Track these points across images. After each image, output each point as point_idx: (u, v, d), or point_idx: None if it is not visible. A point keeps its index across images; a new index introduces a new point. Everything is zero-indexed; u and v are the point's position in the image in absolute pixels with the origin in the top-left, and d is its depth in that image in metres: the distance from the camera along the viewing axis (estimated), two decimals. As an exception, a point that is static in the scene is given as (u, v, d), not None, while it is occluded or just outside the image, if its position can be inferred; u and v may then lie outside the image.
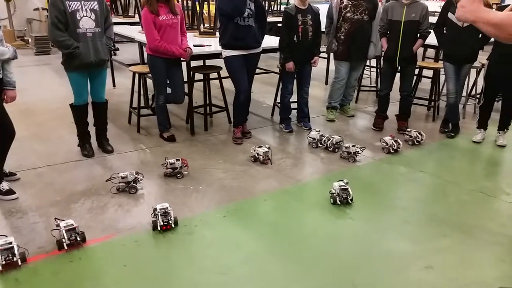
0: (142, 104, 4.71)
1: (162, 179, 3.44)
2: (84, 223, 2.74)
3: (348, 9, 4.66)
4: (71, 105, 3.74)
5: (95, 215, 2.90)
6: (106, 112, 3.94)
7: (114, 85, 6.29)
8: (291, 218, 2.95)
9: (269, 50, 4.64)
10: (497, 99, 4.46)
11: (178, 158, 3.48)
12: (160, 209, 2.72)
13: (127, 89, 5.22)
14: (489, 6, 3.77)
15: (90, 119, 3.87)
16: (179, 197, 3.17)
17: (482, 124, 4.43)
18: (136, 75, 4.59)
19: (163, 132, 4.30)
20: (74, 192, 3.20)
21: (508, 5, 3.92)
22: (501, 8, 4.18)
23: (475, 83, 5.52)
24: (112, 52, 4.30)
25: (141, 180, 3.23)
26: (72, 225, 2.51)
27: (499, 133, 4.35)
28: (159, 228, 2.68)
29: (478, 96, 5.53)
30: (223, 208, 3.03)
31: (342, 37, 4.75)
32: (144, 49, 4.40)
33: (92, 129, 3.94)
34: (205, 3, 5.96)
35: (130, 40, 5.40)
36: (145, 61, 4.45)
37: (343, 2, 4.68)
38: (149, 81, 4.69)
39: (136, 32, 5.41)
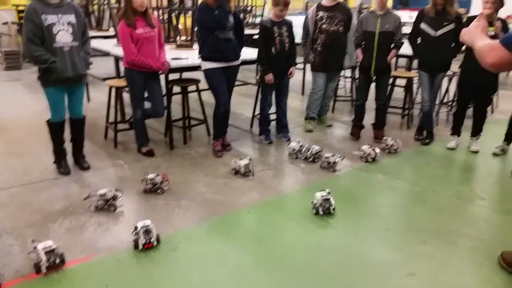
0: (118, 119, 4.65)
1: (142, 195, 3.38)
2: (63, 244, 2.65)
3: (323, 20, 4.74)
4: (47, 122, 3.64)
5: (73, 235, 2.81)
6: (83, 128, 3.86)
7: (88, 100, 6.18)
8: (274, 230, 2.94)
9: (246, 62, 4.66)
10: (468, 106, 4.60)
11: (158, 173, 3.43)
12: (142, 226, 2.66)
13: (102, 104, 5.14)
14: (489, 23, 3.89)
15: (66, 135, 3.78)
16: (161, 213, 3.12)
17: (456, 130, 4.56)
18: (113, 89, 4.53)
19: (141, 146, 4.23)
20: (51, 211, 3.10)
21: (476, 15, 4.02)
22: (469, 19, 4.32)
23: (447, 90, 5.69)
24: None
25: (120, 197, 3.16)
26: (51, 246, 2.43)
27: (472, 139, 4.49)
28: (141, 247, 2.62)
29: (450, 103, 5.70)
30: (206, 222, 3.00)
31: (319, 48, 4.82)
32: (120, 62, 4.35)
33: (68, 146, 3.85)
34: (181, 15, 5.96)
35: (104, 54, 5.33)
36: (121, 74, 4.39)
37: (318, 14, 4.76)
38: (126, 95, 4.63)
39: (111, 46, 5.35)
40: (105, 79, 5.25)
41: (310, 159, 4.09)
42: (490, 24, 3.96)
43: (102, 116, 4.89)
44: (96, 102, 6.10)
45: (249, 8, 9.71)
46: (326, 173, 3.88)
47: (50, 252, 2.41)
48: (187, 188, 3.53)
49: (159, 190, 3.39)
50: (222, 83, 4.07)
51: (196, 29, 4.38)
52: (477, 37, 1.84)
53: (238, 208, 3.23)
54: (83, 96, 3.78)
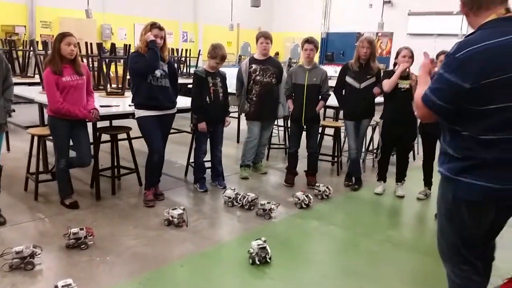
0: (41, 169, 4.33)
1: (64, 251, 3.10)
2: (-34, 312, 2.33)
3: (257, 72, 4.92)
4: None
5: (-20, 300, 2.48)
6: (-1, 179, 3.54)
7: (8, 149, 5.73)
8: (210, 283, 2.81)
9: (181, 111, 4.64)
10: (392, 153, 4.90)
11: (82, 227, 3.18)
12: (62, 286, 2.42)
13: (24, 153, 4.79)
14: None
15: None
16: (85, 270, 2.87)
17: (382, 176, 4.80)
18: (35, 138, 4.24)
19: (65, 198, 3.94)
20: (-47, 274, 2.73)
21: (393, 71, 4.37)
22: (386, 72, 4.68)
23: (371, 139, 6.04)
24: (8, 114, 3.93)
25: (39, 254, 2.87)
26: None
27: (397, 184, 4.73)
28: (61, 309, 2.37)
29: (375, 151, 6.04)
30: (135, 279, 2.79)
31: (254, 98, 4.96)
32: (45, 110, 4.12)
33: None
34: (112, 63, 5.86)
35: (29, 101, 5.04)
36: (46, 122, 4.15)
37: (252, 67, 4.94)
38: (49, 144, 4.35)
39: (36, 93, 5.08)
40: (28, 127, 4.94)
41: (246, 207, 4.05)
42: (406, 77, 4.34)
43: (22, 166, 4.53)
44: (16, 151, 5.68)
45: (183, 59, 9.84)
46: (262, 221, 3.85)
47: None
48: (115, 242, 3.30)
49: (83, 245, 3.13)
50: (156, 131, 3.99)
51: (128, 77, 4.31)
52: (422, 77, 2.00)
53: (171, 261, 3.06)
54: (0, 146, 3.50)
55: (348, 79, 4.63)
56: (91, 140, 4.09)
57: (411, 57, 4.33)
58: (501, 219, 1.93)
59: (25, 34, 10.12)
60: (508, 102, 1.68)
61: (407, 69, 4.34)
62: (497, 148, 1.73)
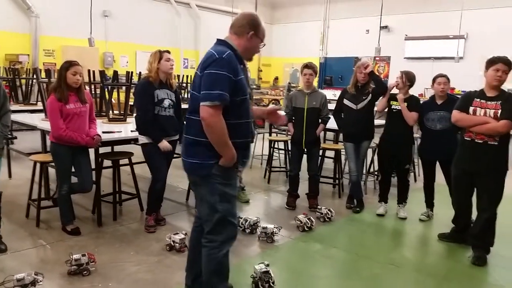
0: (43, 195, 4.33)
1: (66, 278, 3.08)
2: None
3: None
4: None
5: (-19, 329, 2.46)
6: (-1, 205, 3.54)
7: (10, 176, 5.75)
8: (212, 309, 2.78)
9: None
10: (393, 175, 4.91)
11: (84, 253, 3.18)
12: (63, 313, 2.40)
13: (26, 180, 4.81)
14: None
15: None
16: (86, 297, 2.85)
17: (383, 198, 4.80)
18: (37, 164, 4.27)
19: (66, 224, 3.93)
20: (-46, 303, 2.71)
21: (395, 93, 4.42)
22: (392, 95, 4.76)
23: (372, 161, 6.06)
24: (8, 140, 3.97)
25: (40, 281, 2.85)
26: None
27: (399, 206, 4.73)
28: (62, 337, 2.34)
29: (376, 173, 6.05)
30: (137, 305, 2.77)
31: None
32: (47, 137, 4.17)
33: (-19, 226, 3.48)
34: (114, 90, 5.94)
35: (31, 128, 5.09)
36: (48, 149, 4.19)
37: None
38: (51, 170, 4.38)
39: (38, 120, 5.14)
40: (30, 153, 4.97)
41: (248, 230, 4.04)
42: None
43: (24, 193, 4.54)
44: (18, 178, 5.69)
45: (184, 85, 9.96)
46: (264, 244, 3.83)
47: None
48: (116, 268, 3.28)
49: (85, 272, 3.12)
50: (162, 159, 4.00)
51: (133, 104, 4.38)
52: None
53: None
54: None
55: (346, 101, 4.73)
56: (93, 165, 4.11)
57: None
58: None
59: (28, 63, 10.28)
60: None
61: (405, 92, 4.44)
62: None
